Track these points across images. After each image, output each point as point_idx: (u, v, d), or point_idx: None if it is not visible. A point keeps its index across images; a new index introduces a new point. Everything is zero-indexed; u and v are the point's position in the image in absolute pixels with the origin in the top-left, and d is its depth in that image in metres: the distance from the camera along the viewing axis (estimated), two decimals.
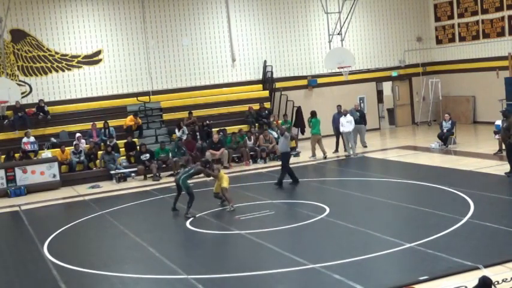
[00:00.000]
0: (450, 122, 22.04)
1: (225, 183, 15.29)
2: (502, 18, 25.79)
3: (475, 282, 7.12)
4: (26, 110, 23.06)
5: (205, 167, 15.53)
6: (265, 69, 26.64)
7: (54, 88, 24.24)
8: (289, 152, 18.07)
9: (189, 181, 15.11)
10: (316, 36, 27.67)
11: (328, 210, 14.12)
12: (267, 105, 25.44)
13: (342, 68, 24.92)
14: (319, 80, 27.64)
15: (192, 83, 25.93)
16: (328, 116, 23.85)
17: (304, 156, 22.57)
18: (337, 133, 23.01)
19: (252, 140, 22.75)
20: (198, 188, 18.65)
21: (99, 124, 22.86)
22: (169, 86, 25.60)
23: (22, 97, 23.32)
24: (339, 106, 23.33)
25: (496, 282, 8.58)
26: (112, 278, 10.82)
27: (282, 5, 27.19)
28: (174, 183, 15.62)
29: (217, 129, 23.25)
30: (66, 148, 21.57)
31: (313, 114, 22.78)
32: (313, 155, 22.14)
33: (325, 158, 21.83)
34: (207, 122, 23.63)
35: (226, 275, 10.35)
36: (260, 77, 26.86)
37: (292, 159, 22.28)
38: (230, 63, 26.51)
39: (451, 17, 28.46)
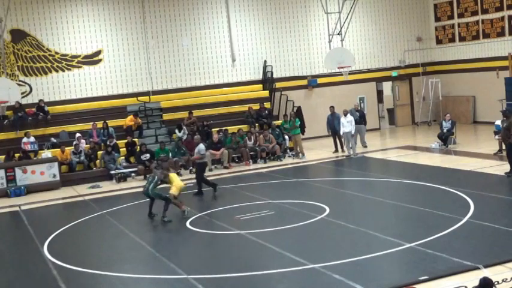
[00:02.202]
0: (450, 122, 22.03)
1: (173, 190, 14.78)
2: (502, 18, 25.79)
3: (475, 282, 7.11)
4: (26, 110, 23.07)
5: (160, 166, 15.27)
6: (265, 69, 26.64)
7: (54, 88, 24.24)
8: (205, 162, 17.86)
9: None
10: (316, 36, 27.67)
11: (328, 210, 14.12)
12: (267, 105, 25.43)
13: (342, 68, 24.91)
14: (319, 80, 27.64)
15: (192, 83, 25.93)
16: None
17: (306, 156, 22.56)
18: (333, 134, 23.07)
19: (252, 140, 22.74)
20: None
21: (99, 124, 22.86)
22: (169, 86, 25.60)
23: (22, 97, 23.31)
24: (332, 107, 23.45)
25: (496, 282, 8.58)
26: (112, 278, 10.82)
27: (282, 5, 27.19)
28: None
29: (217, 129, 23.24)
30: (66, 148, 21.55)
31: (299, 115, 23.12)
32: (303, 154, 22.43)
33: (300, 157, 22.31)
34: (206, 122, 23.60)
35: (226, 275, 10.35)
36: (260, 77, 26.87)
37: (293, 160, 22.37)
38: (230, 63, 26.50)
39: (451, 17, 28.46)
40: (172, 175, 15.19)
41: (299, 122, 23.13)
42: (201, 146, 17.86)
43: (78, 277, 11.08)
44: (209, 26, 26.12)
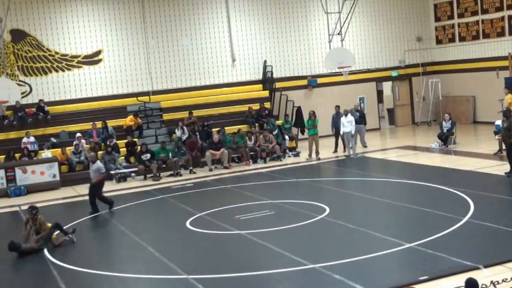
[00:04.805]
0: (450, 122, 22.02)
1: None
2: (502, 18, 25.79)
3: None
4: (26, 110, 23.06)
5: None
6: (265, 69, 26.64)
7: (54, 88, 24.24)
8: (101, 181, 16.66)
9: None
10: (316, 36, 27.67)
11: (328, 210, 14.12)
12: (267, 105, 25.43)
13: (342, 68, 24.90)
14: (319, 80, 27.63)
15: (192, 83, 25.93)
16: (328, 116, 23.81)
17: (304, 156, 22.55)
18: (336, 133, 23.02)
19: (252, 140, 22.73)
20: (198, 187, 18.72)
21: (99, 124, 22.85)
22: (169, 86, 25.60)
23: (22, 97, 23.30)
24: (337, 107, 23.33)
25: (496, 282, 8.59)
26: (112, 278, 10.82)
27: (282, 5, 27.19)
28: None
29: (217, 129, 23.23)
30: (66, 148, 21.52)
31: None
32: (318, 154, 22.15)
33: (318, 158, 21.92)
34: (206, 122, 23.60)
35: (226, 275, 10.35)
36: (260, 77, 26.87)
37: (293, 160, 22.36)
38: (230, 63, 26.50)
39: (451, 17, 28.46)
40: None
41: (318, 122, 22.78)
42: (99, 164, 16.77)
43: (78, 277, 11.08)
44: (209, 26, 26.12)
